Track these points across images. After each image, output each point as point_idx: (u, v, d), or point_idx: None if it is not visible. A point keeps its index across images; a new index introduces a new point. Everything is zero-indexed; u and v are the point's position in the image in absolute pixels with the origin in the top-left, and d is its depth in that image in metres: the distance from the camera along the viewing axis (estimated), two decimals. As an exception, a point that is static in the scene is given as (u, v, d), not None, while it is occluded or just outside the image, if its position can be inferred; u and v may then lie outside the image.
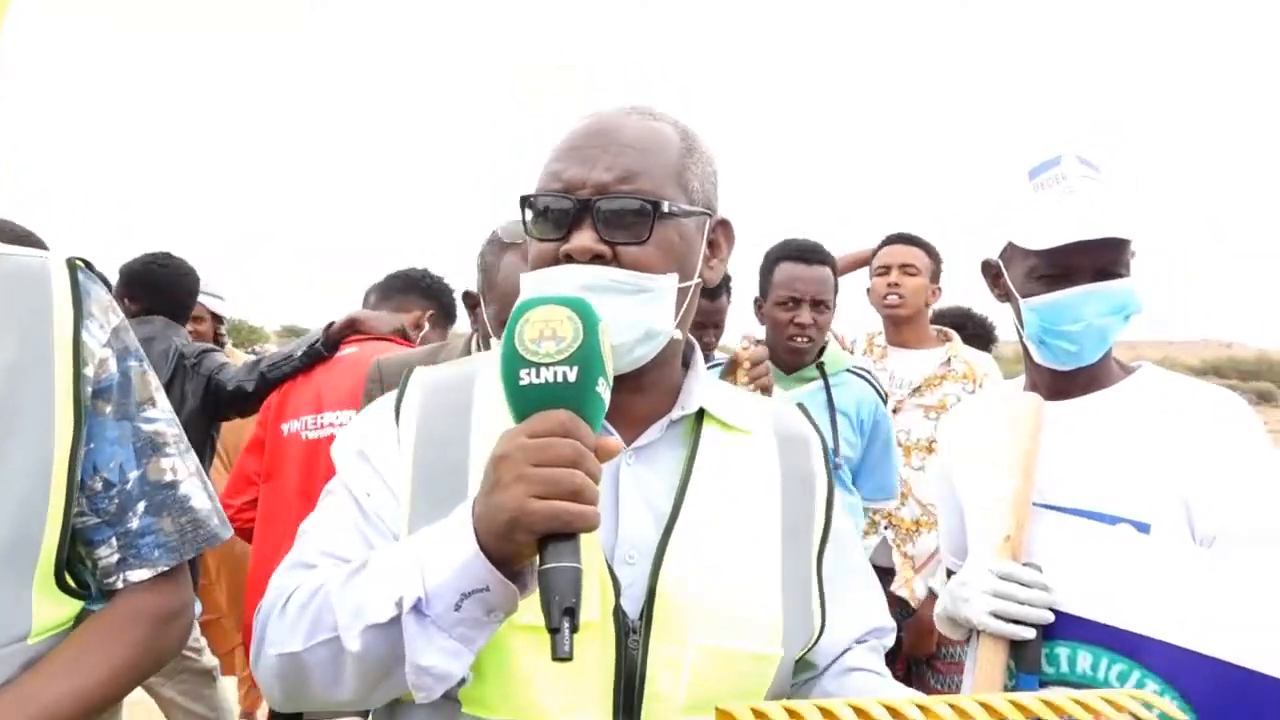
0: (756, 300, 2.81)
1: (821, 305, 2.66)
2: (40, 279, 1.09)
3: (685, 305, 1.11)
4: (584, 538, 0.87)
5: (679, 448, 1.12)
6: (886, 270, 3.27)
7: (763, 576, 1.09)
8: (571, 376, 0.88)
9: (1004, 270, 1.56)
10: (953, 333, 3.33)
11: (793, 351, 2.68)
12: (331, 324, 2.83)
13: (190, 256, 3.45)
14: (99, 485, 1.11)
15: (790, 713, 0.81)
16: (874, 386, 2.79)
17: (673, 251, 1.08)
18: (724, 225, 1.17)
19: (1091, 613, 1.38)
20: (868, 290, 3.38)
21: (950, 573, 1.75)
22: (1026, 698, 0.86)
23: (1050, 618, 1.39)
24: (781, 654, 1.08)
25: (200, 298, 4.10)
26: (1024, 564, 1.42)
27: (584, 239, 1.04)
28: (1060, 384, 1.54)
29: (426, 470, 1.07)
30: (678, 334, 1.11)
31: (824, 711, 0.81)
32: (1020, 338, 1.57)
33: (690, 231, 1.11)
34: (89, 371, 1.09)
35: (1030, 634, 1.39)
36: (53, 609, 1.07)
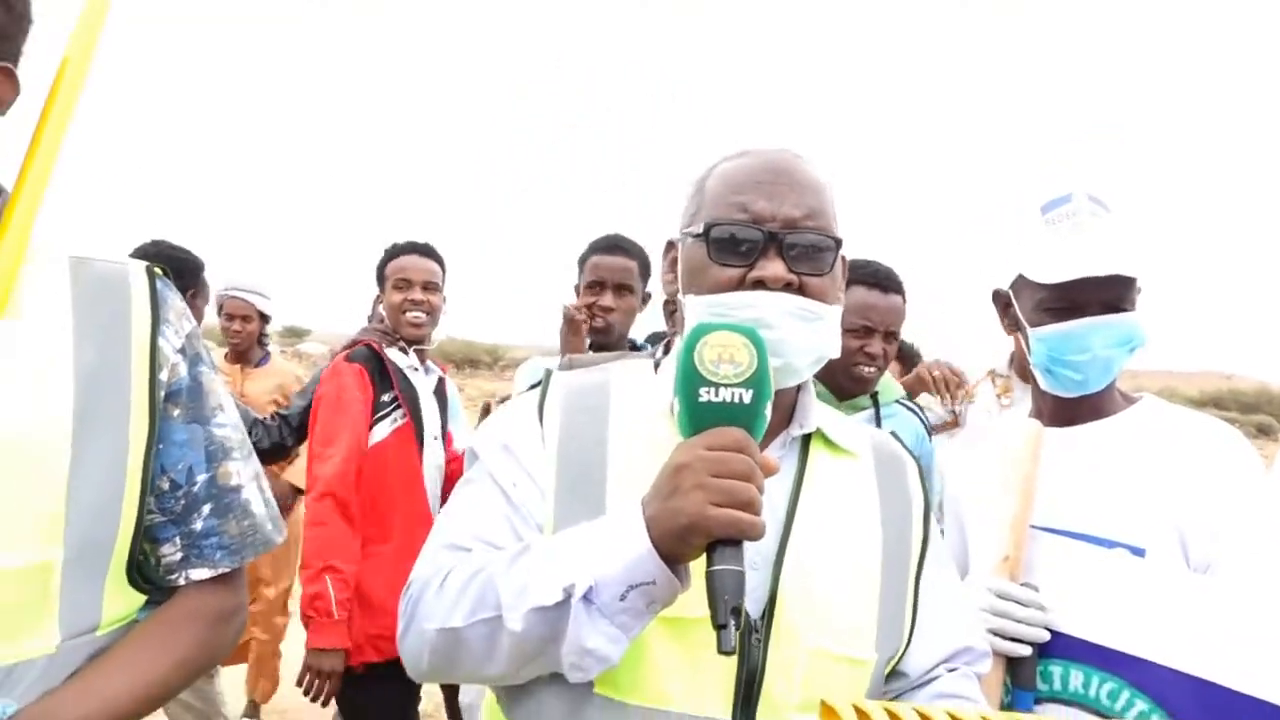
0: None
1: (892, 336, 2.58)
2: (120, 285, 1.13)
3: None
4: None
5: (792, 463, 1.21)
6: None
7: (864, 585, 1.17)
8: (747, 398, 0.97)
9: (1013, 300, 1.62)
10: None
11: (858, 380, 2.57)
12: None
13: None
14: (166, 485, 1.14)
15: (890, 713, 0.90)
16: (921, 420, 2.75)
17: (837, 283, 1.21)
18: (844, 258, 1.27)
19: (1084, 632, 1.43)
20: None
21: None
22: None
23: (1045, 636, 1.44)
24: (876, 658, 1.16)
25: (248, 296, 4.13)
26: (1021, 584, 1.47)
27: (778, 268, 1.14)
28: (1064, 411, 1.60)
29: (569, 467, 1.16)
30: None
31: (921, 714, 0.90)
32: (1029, 366, 1.63)
33: (841, 264, 1.23)
34: (163, 376, 1.13)
35: (1026, 652, 1.44)
36: (121, 603, 1.11)
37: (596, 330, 2.83)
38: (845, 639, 1.13)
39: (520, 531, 1.14)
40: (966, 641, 1.28)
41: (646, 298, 2.98)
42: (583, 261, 2.94)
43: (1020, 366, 2.87)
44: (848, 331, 2.55)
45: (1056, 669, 1.46)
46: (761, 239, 1.15)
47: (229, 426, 1.22)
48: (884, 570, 1.19)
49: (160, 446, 1.12)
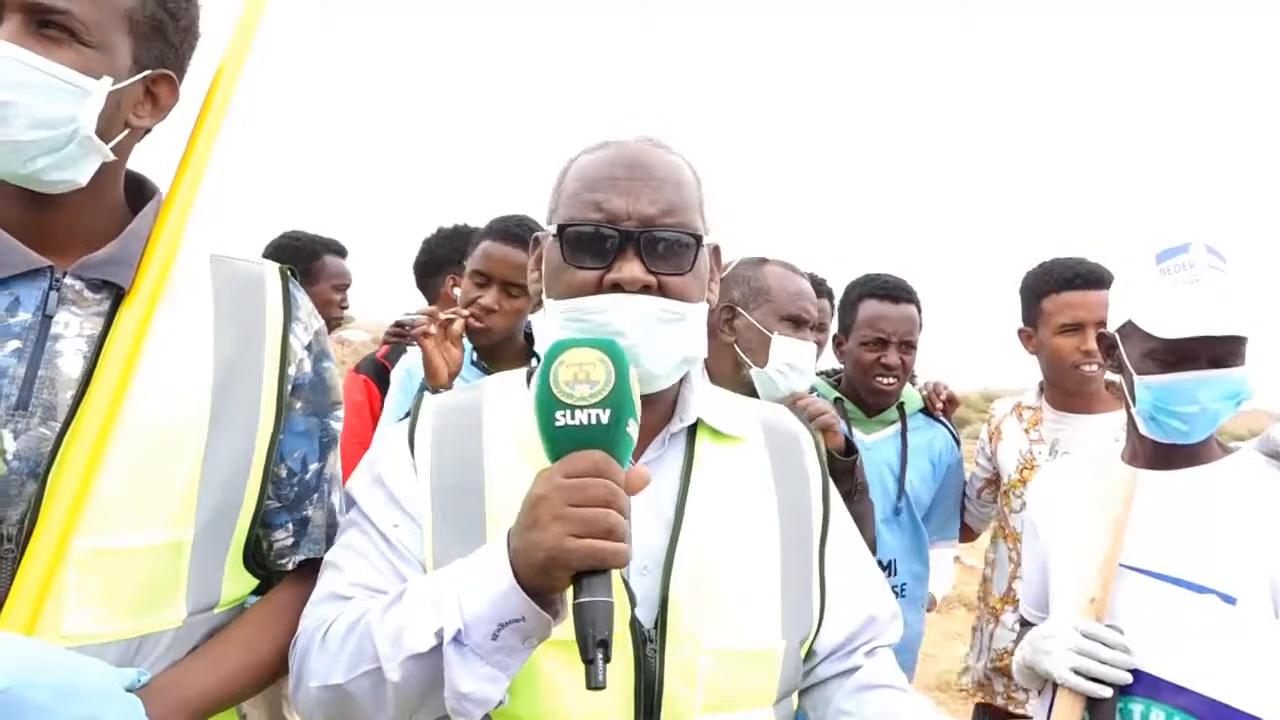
0: (836, 337, 2.74)
1: (908, 346, 2.57)
2: (257, 285, 1.20)
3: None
4: None
5: (678, 458, 1.18)
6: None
7: (763, 573, 1.14)
8: (604, 419, 0.92)
9: (1119, 344, 1.62)
10: None
11: (878, 393, 2.59)
12: None
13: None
14: (283, 473, 1.21)
15: None
16: (949, 430, 2.75)
17: (701, 281, 1.17)
18: (716, 252, 1.25)
19: (1170, 674, 1.43)
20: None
21: (1025, 622, 1.81)
22: None
23: (1128, 679, 1.44)
24: (784, 644, 1.13)
25: None
26: (1107, 625, 1.48)
27: (635, 269, 1.09)
28: (1162, 456, 1.60)
29: (444, 494, 1.12)
30: (703, 356, 1.19)
31: None
32: (1129, 409, 1.63)
33: (707, 260, 1.20)
34: (291, 370, 1.19)
35: (1108, 693, 1.45)
36: (237, 584, 1.17)
37: (474, 332, 2.34)
38: (746, 633, 1.10)
39: (403, 572, 1.10)
40: (871, 610, 1.24)
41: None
42: (477, 243, 2.42)
43: (1051, 395, 2.65)
44: (862, 345, 2.56)
45: (1138, 707, 1.46)
46: (618, 239, 1.10)
47: (343, 422, 1.29)
48: (784, 553, 1.16)
49: (281, 437, 1.18)
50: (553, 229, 1.15)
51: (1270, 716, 1.35)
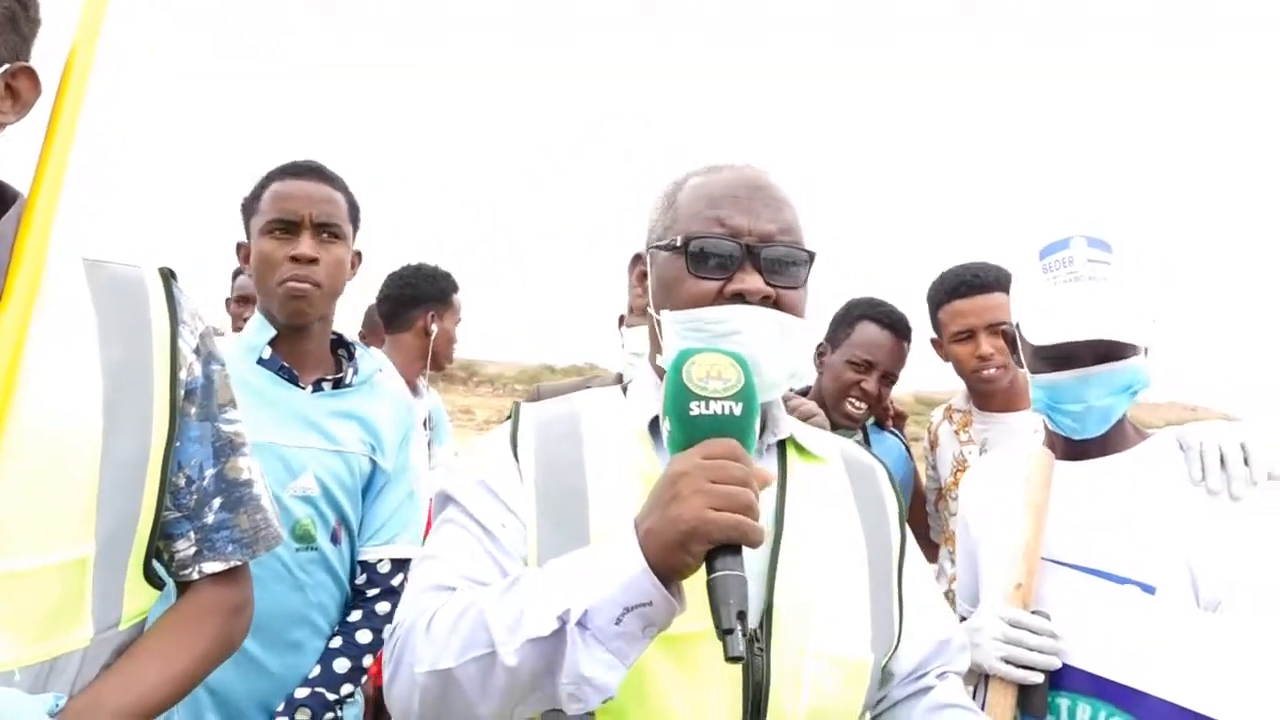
0: (820, 346, 2.71)
1: (891, 378, 2.59)
2: (138, 288, 1.16)
3: None
4: None
5: (772, 470, 1.22)
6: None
7: (854, 588, 1.19)
8: (737, 411, 0.99)
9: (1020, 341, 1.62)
10: None
11: (845, 415, 2.56)
12: None
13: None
14: (181, 481, 1.17)
15: None
16: (900, 440, 2.80)
17: (807, 297, 1.23)
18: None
19: (1094, 666, 1.45)
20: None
21: (963, 618, 1.81)
22: None
23: (1058, 664, 1.45)
24: (872, 658, 1.17)
25: None
26: (1033, 612, 1.48)
27: (757, 281, 1.16)
28: (1075, 446, 1.60)
29: (549, 498, 1.15)
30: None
31: None
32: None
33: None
34: (183, 375, 1.16)
35: (1038, 679, 1.45)
36: (139, 598, 1.13)
37: (295, 301, 1.80)
38: (842, 642, 1.14)
39: (506, 567, 1.12)
40: (944, 635, 1.28)
41: (357, 259, 1.96)
42: (256, 196, 1.87)
43: (973, 398, 2.67)
44: (848, 363, 2.55)
45: (1064, 701, 1.47)
46: (739, 252, 1.16)
47: (240, 423, 1.25)
48: (869, 571, 1.21)
49: (177, 444, 1.15)
50: (670, 242, 1.21)
51: (1190, 702, 1.36)
